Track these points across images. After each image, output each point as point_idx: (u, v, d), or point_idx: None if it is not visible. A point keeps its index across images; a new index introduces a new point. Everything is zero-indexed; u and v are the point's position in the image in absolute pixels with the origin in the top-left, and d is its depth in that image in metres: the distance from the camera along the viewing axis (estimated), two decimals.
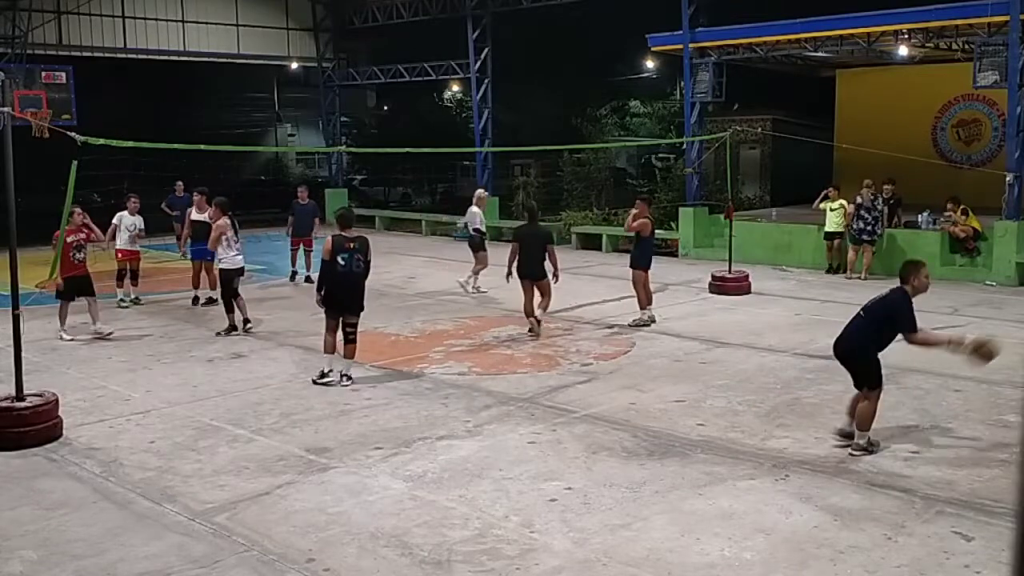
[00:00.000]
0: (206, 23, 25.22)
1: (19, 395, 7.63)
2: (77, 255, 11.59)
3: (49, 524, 6.03)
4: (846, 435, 7.30)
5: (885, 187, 16.25)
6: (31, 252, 11.48)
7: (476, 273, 14.78)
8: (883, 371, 6.92)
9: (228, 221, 11.89)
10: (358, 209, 25.95)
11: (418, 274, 17.22)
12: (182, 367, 10.24)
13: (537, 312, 11.62)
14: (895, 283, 7.11)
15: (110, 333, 11.72)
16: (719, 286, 14.53)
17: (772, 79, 24.44)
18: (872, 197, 15.67)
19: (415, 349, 11.01)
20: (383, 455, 7.24)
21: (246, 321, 11.90)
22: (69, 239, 11.08)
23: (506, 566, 5.33)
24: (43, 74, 21.13)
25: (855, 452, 7.07)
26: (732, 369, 9.84)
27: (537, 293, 11.64)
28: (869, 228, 15.63)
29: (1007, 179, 15.20)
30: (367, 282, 9.64)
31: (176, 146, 10.62)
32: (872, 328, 7.09)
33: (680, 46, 19.13)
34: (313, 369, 9.84)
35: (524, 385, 9.29)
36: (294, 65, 29.26)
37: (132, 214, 13.92)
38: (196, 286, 14.11)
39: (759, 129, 25.24)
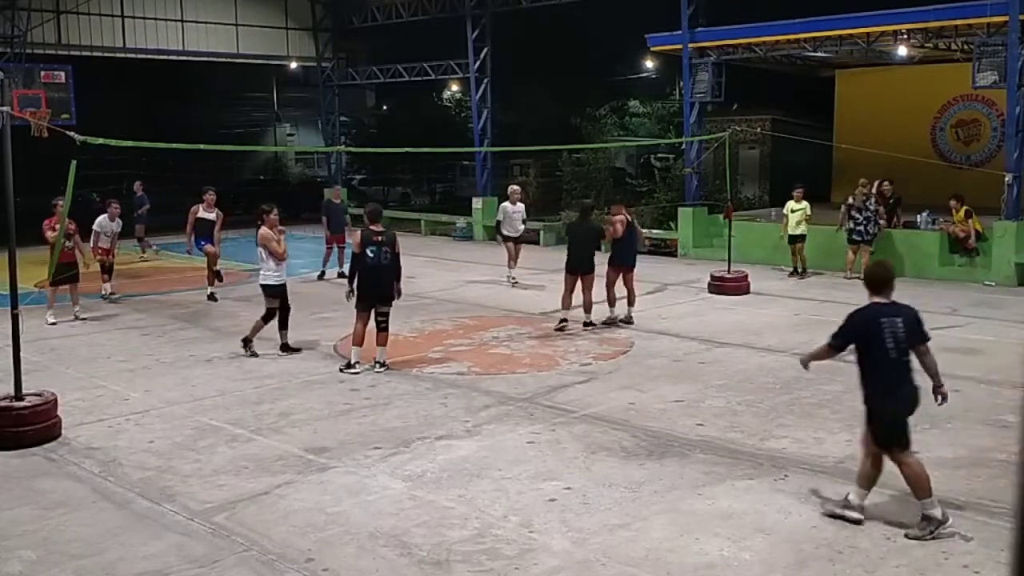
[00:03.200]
0: (205, 23, 25.19)
1: (18, 395, 7.63)
2: (67, 244, 12.13)
3: (48, 524, 6.02)
4: None
5: (884, 187, 16.23)
6: (30, 252, 11.47)
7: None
8: None
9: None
10: (357, 209, 25.91)
11: (418, 274, 17.18)
12: (181, 367, 10.23)
13: (578, 311, 11.80)
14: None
15: (84, 319, 12.69)
16: (718, 286, 14.53)
17: (771, 79, 24.44)
18: (864, 197, 15.61)
19: (414, 349, 11.00)
20: (382, 455, 7.24)
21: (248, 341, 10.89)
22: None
23: (505, 566, 5.33)
24: (42, 73, 21.10)
25: None
26: (731, 369, 9.84)
27: (578, 289, 11.80)
28: (860, 228, 15.55)
29: (1006, 179, 15.20)
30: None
31: (175, 146, 10.61)
32: None
33: (679, 46, 19.14)
34: (312, 368, 9.85)
35: (523, 385, 9.29)
36: (293, 65, 29.23)
37: (112, 219, 14.23)
38: (212, 283, 14.24)
39: (758, 129, 25.25)
